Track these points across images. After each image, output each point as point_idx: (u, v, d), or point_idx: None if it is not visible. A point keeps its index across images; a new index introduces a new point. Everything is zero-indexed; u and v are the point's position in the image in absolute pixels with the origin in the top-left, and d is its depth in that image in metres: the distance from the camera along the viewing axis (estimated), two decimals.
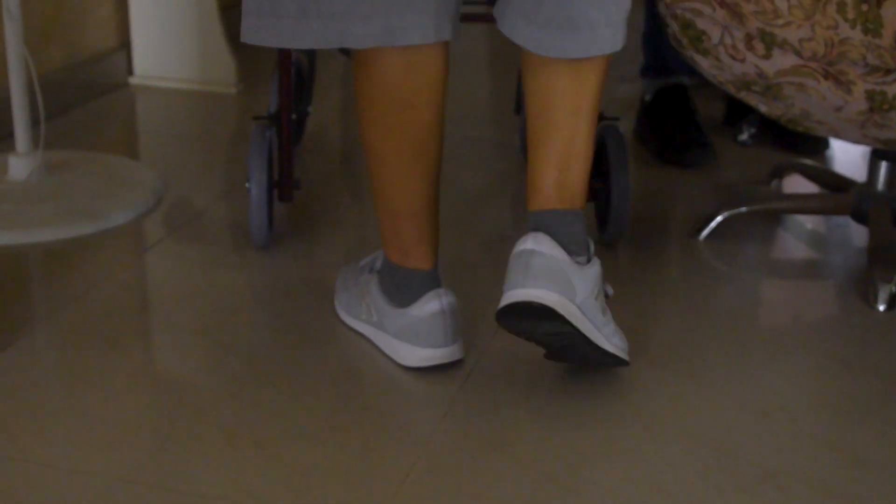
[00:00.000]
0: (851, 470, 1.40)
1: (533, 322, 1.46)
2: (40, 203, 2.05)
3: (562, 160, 1.50)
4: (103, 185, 2.15)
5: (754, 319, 1.78)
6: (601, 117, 1.95)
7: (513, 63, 2.07)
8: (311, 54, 2.32)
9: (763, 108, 1.87)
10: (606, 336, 1.50)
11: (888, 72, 1.67)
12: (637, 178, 2.28)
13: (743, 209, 2.04)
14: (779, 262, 2.02)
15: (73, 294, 1.78)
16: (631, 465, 1.40)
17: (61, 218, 2.00)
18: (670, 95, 2.46)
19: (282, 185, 1.94)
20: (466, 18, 1.64)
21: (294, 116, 1.95)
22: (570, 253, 1.46)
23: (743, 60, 1.78)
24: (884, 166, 1.96)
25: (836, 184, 2.13)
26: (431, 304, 1.55)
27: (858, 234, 2.04)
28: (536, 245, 1.45)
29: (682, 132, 2.39)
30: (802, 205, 2.14)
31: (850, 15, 1.63)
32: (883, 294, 1.79)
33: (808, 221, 2.12)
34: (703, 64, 1.85)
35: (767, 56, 1.74)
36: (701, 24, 1.79)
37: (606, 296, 1.53)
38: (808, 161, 2.29)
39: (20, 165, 2.11)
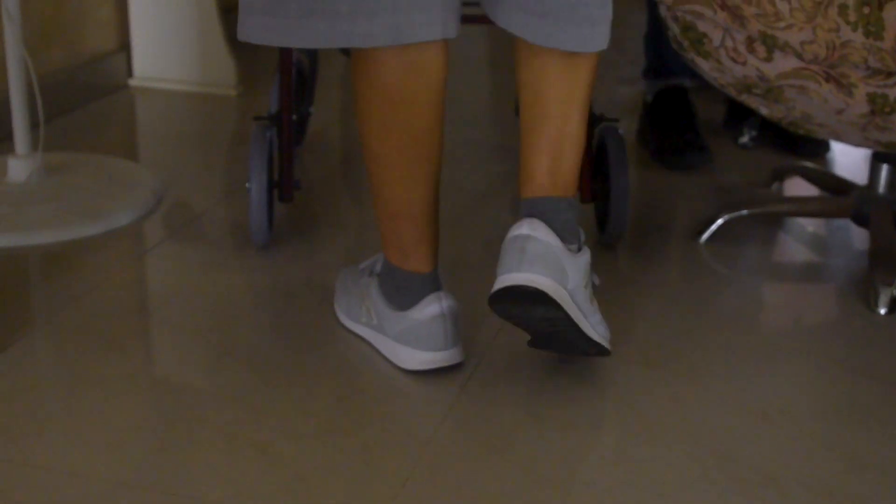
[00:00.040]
0: (852, 473, 1.40)
1: (526, 306, 1.46)
2: (40, 205, 2.05)
3: (554, 148, 1.51)
4: (103, 187, 2.15)
5: (755, 322, 1.78)
6: (601, 118, 1.96)
7: (512, 64, 2.07)
8: (312, 55, 2.32)
9: (764, 111, 1.87)
10: (593, 325, 1.51)
11: (889, 74, 1.67)
12: (638, 181, 2.28)
13: (744, 212, 2.04)
14: (779, 265, 2.02)
15: (73, 296, 1.78)
16: (631, 467, 1.40)
17: (61, 220, 2.00)
18: (670, 97, 2.46)
19: (282, 185, 1.94)
20: (466, 20, 1.64)
21: (295, 117, 1.95)
22: (563, 240, 1.47)
23: (744, 63, 1.77)
24: (885, 169, 1.96)
25: (836, 187, 2.13)
26: (431, 308, 1.55)
27: (859, 237, 2.04)
28: (532, 230, 1.46)
29: (679, 134, 2.39)
30: (803, 208, 2.14)
31: (852, 18, 1.62)
32: (884, 297, 1.79)
33: (809, 224, 2.12)
34: (704, 66, 1.85)
35: (768, 59, 1.74)
36: (702, 26, 1.79)
37: (593, 285, 1.54)
38: (808, 164, 2.29)
39: (20, 167, 2.11)
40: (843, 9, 1.62)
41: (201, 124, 2.64)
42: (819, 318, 1.82)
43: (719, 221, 2.02)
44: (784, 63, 1.73)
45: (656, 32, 2.41)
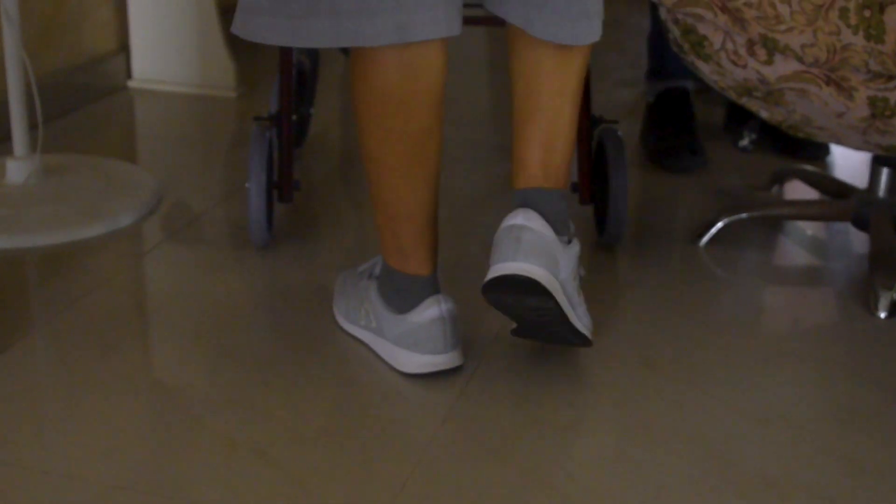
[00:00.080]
0: (852, 477, 1.40)
1: (519, 296, 1.47)
2: (38, 206, 2.05)
3: (547, 140, 1.53)
4: (102, 189, 2.14)
5: (755, 326, 1.78)
6: (601, 120, 1.96)
7: None
8: (313, 55, 2.31)
9: (764, 114, 1.87)
10: (579, 316, 1.53)
11: (890, 78, 1.67)
12: (638, 183, 2.28)
13: (743, 215, 2.04)
14: (779, 268, 2.02)
15: (72, 297, 1.78)
16: (630, 472, 1.40)
17: (59, 221, 2.00)
18: (671, 99, 2.46)
19: (282, 185, 1.93)
20: (467, 22, 1.64)
21: (295, 117, 1.95)
22: (555, 231, 1.48)
23: (744, 66, 1.77)
24: (885, 172, 1.95)
25: (836, 190, 2.13)
26: (431, 311, 1.54)
27: (859, 240, 2.04)
28: (527, 220, 1.47)
29: (675, 137, 2.39)
30: (803, 211, 2.14)
31: (853, 21, 1.62)
32: (884, 301, 1.79)
33: (809, 228, 2.11)
34: (705, 69, 1.85)
35: (769, 62, 1.74)
36: (702, 29, 1.79)
37: (580, 277, 1.56)
38: (808, 167, 2.29)
39: (18, 169, 2.11)
40: (843, 12, 1.62)
41: (201, 125, 2.64)
42: (819, 322, 1.82)
43: (719, 224, 2.02)
44: (784, 66, 1.73)
45: (659, 34, 2.41)
